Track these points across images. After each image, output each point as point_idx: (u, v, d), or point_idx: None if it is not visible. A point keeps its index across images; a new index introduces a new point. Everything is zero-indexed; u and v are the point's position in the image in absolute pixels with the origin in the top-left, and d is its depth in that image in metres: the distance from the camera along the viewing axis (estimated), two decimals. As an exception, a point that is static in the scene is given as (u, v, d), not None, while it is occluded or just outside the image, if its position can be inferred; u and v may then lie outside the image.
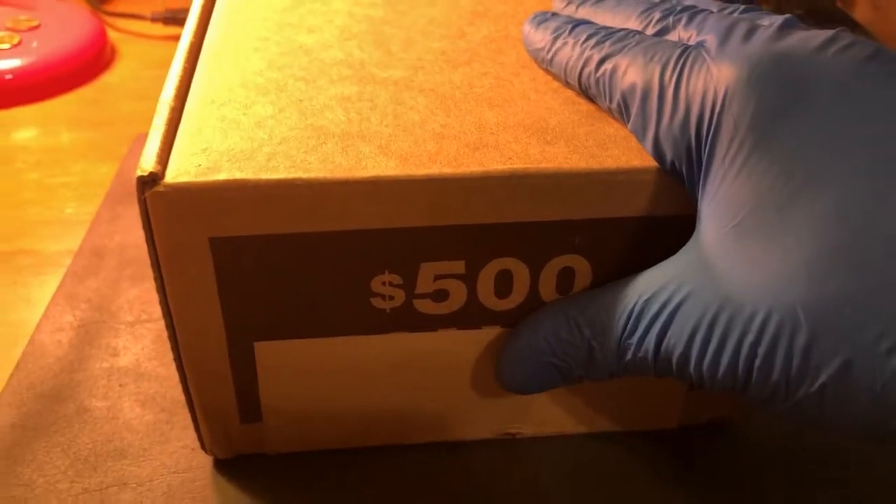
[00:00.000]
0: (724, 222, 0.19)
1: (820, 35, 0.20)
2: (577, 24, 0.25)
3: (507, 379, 0.24)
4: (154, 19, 0.56)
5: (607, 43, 0.23)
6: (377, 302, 0.23)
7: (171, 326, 0.23)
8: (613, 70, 0.22)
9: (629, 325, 0.20)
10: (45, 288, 0.34)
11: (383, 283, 0.23)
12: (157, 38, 0.56)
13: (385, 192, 0.21)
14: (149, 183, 0.20)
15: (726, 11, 0.23)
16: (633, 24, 0.25)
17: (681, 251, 0.21)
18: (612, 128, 0.23)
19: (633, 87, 0.22)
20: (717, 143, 0.20)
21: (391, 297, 0.23)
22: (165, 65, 0.51)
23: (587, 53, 0.23)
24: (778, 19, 0.21)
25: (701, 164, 0.20)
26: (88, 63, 0.51)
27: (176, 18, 0.55)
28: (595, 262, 0.23)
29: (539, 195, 0.21)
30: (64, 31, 0.52)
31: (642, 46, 0.22)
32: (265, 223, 0.21)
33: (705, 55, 0.21)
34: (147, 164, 0.20)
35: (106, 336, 0.31)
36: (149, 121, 0.49)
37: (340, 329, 0.23)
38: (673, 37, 0.23)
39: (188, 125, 0.22)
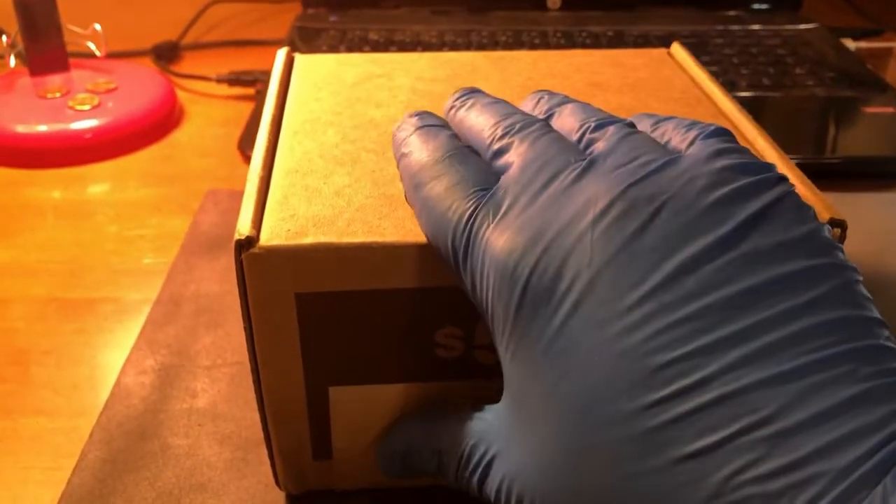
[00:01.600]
0: (508, 396, 0.21)
1: (587, 206, 0.19)
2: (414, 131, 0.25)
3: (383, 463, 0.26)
4: (219, 80, 0.60)
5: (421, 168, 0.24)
6: (440, 352, 0.25)
7: (255, 370, 0.25)
8: (419, 211, 0.23)
9: (461, 463, 0.23)
10: (127, 333, 0.37)
11: (446, 336, 0.25)
12: (221, 97, 0.60)
13: (451, 254, 0.24)
14: (245, 245, 0.23)
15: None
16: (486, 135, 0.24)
17: (500, 403, 0.22)
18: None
19: (428, 237, 0.23)
20: (495, 326, 0.21)
21: (452, 348, 0.25)
22: (230, 123, 0.56)
23: (405, 179, 0.25)
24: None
25: (492, 333, 0.21)
26: (160, 122, 0.55)
27: (239, 80, 0.59)
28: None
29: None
30: (138, 93, 0.56)
31: (439, 192, 0.23)
32: (344, 281, 0.24)
33: (486, 228, 0.21)
34: (243, 228, 0.23)
35: (185, 379, 0.33)
36: (215, 176, 0.53)
37: (406, 376, 0.26)
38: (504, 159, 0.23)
39: (276, 193, 0.25)
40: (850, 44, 0.65)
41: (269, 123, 0.29)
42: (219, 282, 0.39)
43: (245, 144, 0.50)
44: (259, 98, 0.57)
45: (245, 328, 0.25)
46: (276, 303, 0.24)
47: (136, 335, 0.36)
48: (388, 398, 0.26)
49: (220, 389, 0.33)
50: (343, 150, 0.28)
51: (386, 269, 0.24)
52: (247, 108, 0.57)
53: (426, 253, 0.23)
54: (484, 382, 0.26)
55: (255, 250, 0.23)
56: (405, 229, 0.24)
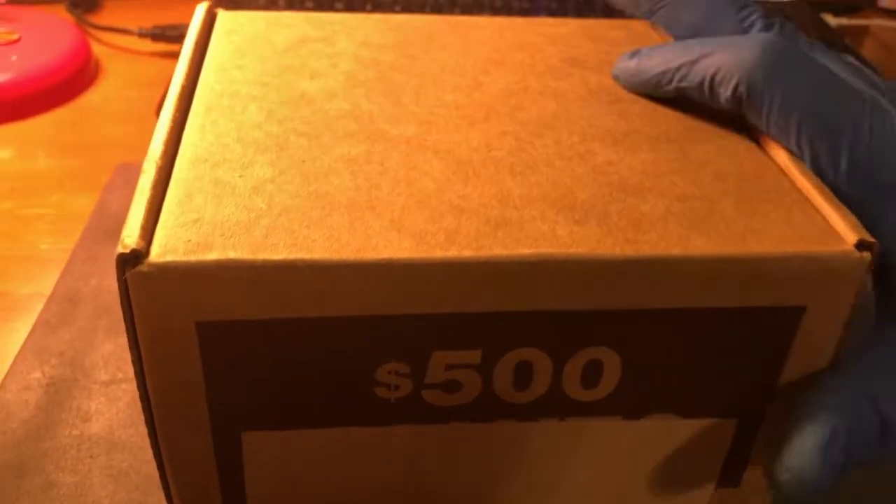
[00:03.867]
0: None
1: None
2: None
3: (796, 482, 0.20)
4: (141, 35, 0.53)
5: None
6: (381, 392, 0.21)
7: (148, 411, 0.20)
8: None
9: None
10: (12, 337, 0.31)
11: (389, 373, 0.20)
12: (143, 54, 0.53)
13: (397, 275, 0.19)
14: (131, 261, 0.18)
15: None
16: None
17: None
18: (647, 204, 0.21)
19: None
20: None
21: (397, 387, 0.21)
22: (152, 84, 0.49)
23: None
24: None
25: None
26: (70, 80, 0.48)
27: (164, 35, 0.53)
28: (626, 356, 0.21)
29: (568, 283, 0.19)
30: (45, 45, 0.49)
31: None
32: (260, 307, 0.19)
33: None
34: (129, 238, 0.18)
35: (77, 397, 0.28)
36: (131, 146, 0.46)
37: (338, 420, 0.21)
38: None
39: (178, 189, 0.20)
40: (831, 19, 0.61)
41: (176, 97, 0.24)
42: (126, 275, 0.33)
43: (165, 111, 0.44)
44: (185, 57, 0.51)
45: (133, 362, 0.19)
46: (173, 333, 0.19)
47: (22, 339, 0.30)
48: (317, 445, 0.21)
49: (119, 412, 0.28)
50: (267, 133, 0.23)
51: (314, 293, 0.19)
52: (171, 68, 0.50)
53: (366, 273, 0.19)
54: (434, 428, 0.21)
55: (142, 268, 0.18)
56: (340, 242, 0.19)
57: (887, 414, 0.20)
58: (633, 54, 0.26)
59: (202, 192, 0.20)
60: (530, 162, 0.22)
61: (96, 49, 0.53)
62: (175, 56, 0.52)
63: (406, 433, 0.21)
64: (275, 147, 0.22)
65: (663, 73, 0.25)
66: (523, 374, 0.21)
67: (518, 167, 0.22)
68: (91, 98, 0.48)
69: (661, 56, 0.25)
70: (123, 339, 0.30)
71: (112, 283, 0.33)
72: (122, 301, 0.18)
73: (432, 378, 0.20)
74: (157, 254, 0.18)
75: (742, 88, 0.23)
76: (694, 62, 0.24)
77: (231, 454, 0.21)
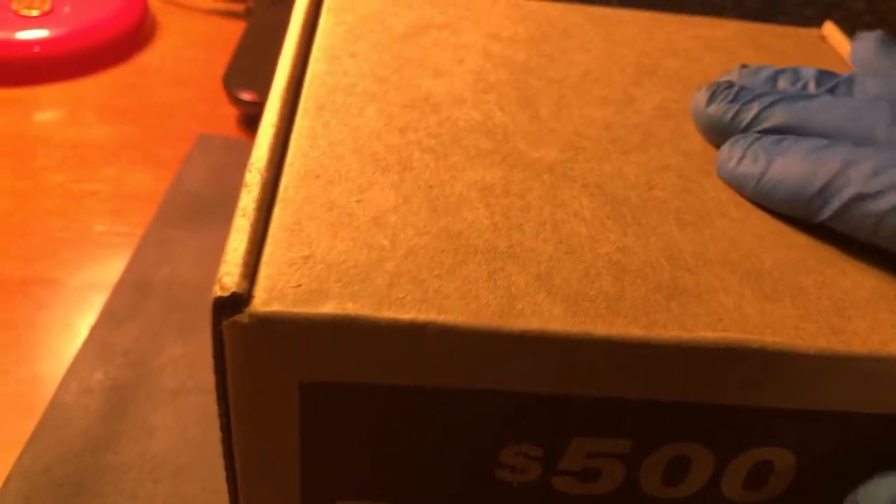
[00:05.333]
0: None
1: None
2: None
3: None
4: (208, -10, 0.49)
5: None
6: (503, 474, 0.17)
7: (231, 469, 0.17)
8: None
9: None
10: (71, 331, 0.28)
11: (517, 455, 0.17)
12: (202, 11, 0.49)
13: (546, 350, 0.15)
14: (229, 308, 0.15)
15: None
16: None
17: None
18: (848, 280, 0.17)
19: None
20: None
21: (522, 471, 0.17)
22: (211, 45, 0.46)
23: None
24: None
25: None
26: (125, 37, 0.45)
27: (230, -8, 0.49)
28: (804, 458, 0.17)
29: (757, 376, 0.16)
30: (101, -1, 0.46)
31: None
32: (377, 371, 0.15)
33: None
34: (229, 277, 0.15)
35: (143, 406, 0.25)
36: (191, 114, 0.42)
37: (448, 498, 0.18)
38: None
39: (286, 212, 0.17)
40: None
41: (283, 88, 0.20)
42: (199, 264, 0.31)
43: (232, 81, 0.39)
44: (250, 20, 0.46)
45: (220, 416, 0.16)
46: (271, 394, 0.16)
47: (84, 333, 0.28)
48: (421, 524, 0.18)
49: (187, 427, 0.25)
50: (388, 145, 0.19)
51: (443, 362, 0.15)
52: (234, 29, 0.46)
53: (508, 345, 0.15)
54: (561, 518, 0.18)
55: (242, 318, 0.15)
56: (478, 301, 0.15)
57: None
58: (743, 152, 0.19)
59: (314, 219, 0.17)
60: (701, 210, 0.18)
61: (152, 3, 0.49)
62: (237, 16, 0.49)
63: (526, 521, 0.18)
64: (397, 165, 0.19)
65: (807, 200, 0.18)
66: (677, 468, 0.17)
67: (687, 214, 0.18)
68: (147, 58, 0.45)
69: (792, 171, 0.18)
70: (196, 340, 0.28)
71: (186, 274, 0.30)
72: (214, 352, 0.15)
73: (567, 465, 0.17)
74: (261, 300, 0.15)
75: None
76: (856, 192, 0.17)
77: (321, 524, 0.18)
